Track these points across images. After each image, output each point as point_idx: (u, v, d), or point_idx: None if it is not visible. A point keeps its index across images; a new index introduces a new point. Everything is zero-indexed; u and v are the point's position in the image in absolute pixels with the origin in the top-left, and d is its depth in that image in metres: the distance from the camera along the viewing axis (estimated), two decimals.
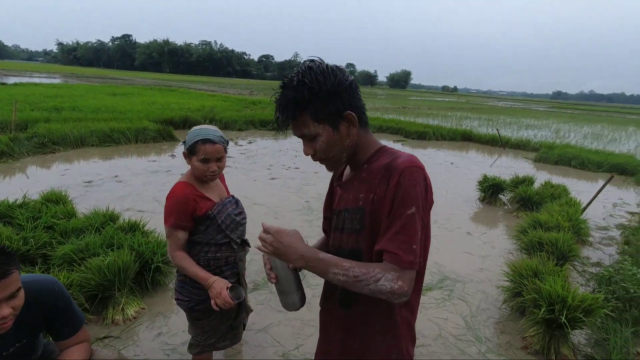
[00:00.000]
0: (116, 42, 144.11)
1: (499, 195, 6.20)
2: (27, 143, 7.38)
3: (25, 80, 27.07)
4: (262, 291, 3.21)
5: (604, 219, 5.82)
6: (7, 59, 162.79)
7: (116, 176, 6.26)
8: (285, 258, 1.06)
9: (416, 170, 0.99)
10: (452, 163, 9.36)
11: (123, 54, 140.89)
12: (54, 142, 7.72)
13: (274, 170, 7.43)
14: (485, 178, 6.16)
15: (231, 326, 2.03)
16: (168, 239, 1.79)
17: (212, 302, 1.66)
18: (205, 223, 1.82)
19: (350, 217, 1.11)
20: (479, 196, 6.32)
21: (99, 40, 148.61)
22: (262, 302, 3.05)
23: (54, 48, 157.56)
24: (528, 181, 6.18)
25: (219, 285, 1.67)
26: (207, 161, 1.75)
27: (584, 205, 5.06)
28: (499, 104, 52.99)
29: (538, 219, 4.24)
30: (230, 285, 1.70)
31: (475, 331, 2.86)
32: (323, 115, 1.02)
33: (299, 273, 1.21)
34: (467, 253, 4.23)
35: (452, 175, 8.07)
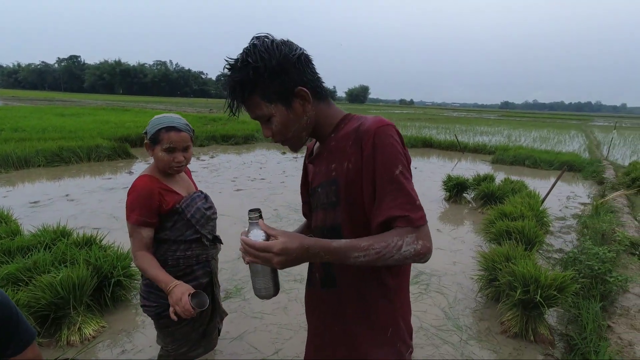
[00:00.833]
0: (62, 64, 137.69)
1: (464, 194, 6.38)
2: None
3: None
4: (234, 299, 3.03)
5: (560, 210, 6.14)
6: None
7: (67, 195, 5.81)
8: (296, 264, 0.93)
9: (388, 128, 0.94)
10: (415, 167, 9.59)
11: (71, 76, 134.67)
12: None
13: (239, 182, 7.24)
14: (450, 178, 6.33)
15: (204, 332, 1.87)
16: (131, 237, 1.61)
17: (171, 309, 1.48)
18: (173, 218, 1.67)
19: (325, 192, 1.04)
20: (445, 196, 6.47)
21: (43, 62, 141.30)
22: (236, 309, 2.87)
23: None
24: (489, 178, 6.42)
25: (180, 291, 1.49)
26: (172, 151, 1.61)
27: (542, 197, 5.31)
28: (453, 114, 55.60)
29: (503, 211, 4.38)
30: (193, 291, 1.52)
31: (455, 321, 2.85)
32: (273, 95, 0.96)
33: None
34: (439, 249, 4.27)
35: (417, 179, 8.24)
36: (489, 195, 5.82)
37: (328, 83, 1.14)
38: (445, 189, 6.42)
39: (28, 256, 2.89)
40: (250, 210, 0.96)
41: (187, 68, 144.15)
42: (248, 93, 0.95)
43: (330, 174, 1.02)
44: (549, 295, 2.49)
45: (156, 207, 1.61)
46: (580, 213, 5.92)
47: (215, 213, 1.86)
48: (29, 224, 4.14)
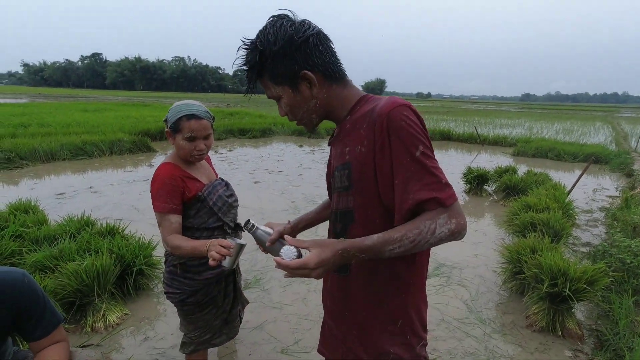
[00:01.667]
0: (85, 62, 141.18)
1: (484, 187, 6.23)
2: None
3: None
4: (253, 289, 3.04)
5: (586, 203, 5.92)
6: None
7: (91, 187, 5.95)
8: (334, 269, 0.94)
9: (403, 108, 0.89)
10: None
11: (93, 73, 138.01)
12: (22, 157, 7.32)
13: (256, 174, 7.27)
14: (470, 170, 6.19)
15: (226, 320, 1.88)
16: (160, 226, 1.59)
17: (210, 260, 1.38)
18: (196, 206, 1.66)
19: (340, 175, 1.01)
20: (465, 188, 6.33)
21: (67, 59, 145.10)
22: (255, 300, 2.88)
23: (19, 69, 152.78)
24: (511, 170, 6.25)
25: (216, 240, 1.44)
26: (193, 139, 1.59)
27: (567, 189, 5.13)
28: (472, 107, 54.50)
29: (527, 202, 4.25)
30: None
31: (478, 314, 2.78)
32: (279, 77, 0.97)
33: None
34: (460, 241, 4.18)
35: None
36: (511, 188, 5.66)
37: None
38: (465, 181, 6.28)
39: (54, 245, 2.96)
40: (244, 225, 1.06)
41: (204, 64, 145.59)
42: (256, 75, 0.98)
43: (344, 157, 0.99)
44: (578, 288, 2.40)
45: (180, 194, 1.61)
46: (608, 206, 5.70)
47: (237, 200, 1.85)
48: (55, 214, 4.26)
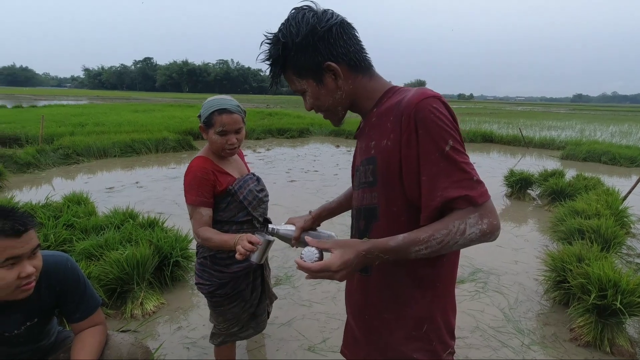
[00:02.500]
0: (138, 65, 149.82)
1: (528, 190, 5.91)
2: (52, 155, 7.57)
3: (53, 102, 28.25)
4: (284, 286, 3.07)
5: None
6: (38, 86, 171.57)
7: (137, 182, 6.30)
8: (358, 270, 0.92)
9: (432, 100, 0.84)
10: (474, 162, 9.03)
11: (144, 76, 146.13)
12: (78, 154, 7.90)
13: (292, 173, 7.35)
14: (512, 173, 5.90)
15: (254, 314, 1.91)
16: (191, 218, 1.64)
17: (237, 254, 1.39)
18: (226, 200, 1.70)
19: (364, 169, 0.97)
20: (506, 192, 6.04)
21: (122, 64, 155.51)
22: (285, 296, 2.90)
23: (81, 74, 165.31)
24: (558, 174, 5.88)
25: (245, 234, 1.44)
26: (225, 133, 1.63)
27: (623, 195, 4.74)
28: (517, 109, 51.93)
29: (575, 208, 3.97)
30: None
31: (516, 323, 2.63)
32: (302, 70, 0.94)
33: None
34: (498, 246, 3.99)
35: None
36: (557, 192, 5.32)
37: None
38: (507, 185, 5.98)
39: (101, 234, 3.16)
40: (265, 231, 1.14)
41: (247, 66, 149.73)
42: (280, 69, 0.96)
43: (369, 151, 0.95)
44: (631, 302, 2.20)
45: (211, 187, 1.65)
46: None
47: (267, 195, 1.87)
48: (104, 206, 4.54)
